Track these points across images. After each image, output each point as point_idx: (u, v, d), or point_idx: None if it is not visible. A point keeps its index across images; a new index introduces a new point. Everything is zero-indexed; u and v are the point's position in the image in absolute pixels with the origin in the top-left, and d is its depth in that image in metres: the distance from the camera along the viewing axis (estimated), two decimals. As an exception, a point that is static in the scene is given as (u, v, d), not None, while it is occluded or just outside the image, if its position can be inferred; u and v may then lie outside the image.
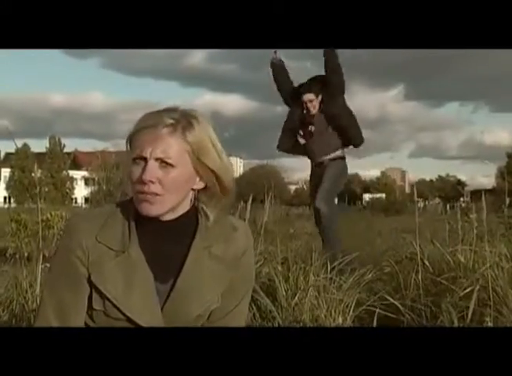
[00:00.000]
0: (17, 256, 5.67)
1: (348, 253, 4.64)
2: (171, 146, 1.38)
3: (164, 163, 1.38)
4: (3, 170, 62.18)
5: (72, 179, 61.86)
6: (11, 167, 59.52)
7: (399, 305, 3.68)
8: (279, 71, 5.99)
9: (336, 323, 3.45)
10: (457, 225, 5.13)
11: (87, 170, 60.07)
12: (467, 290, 3.60)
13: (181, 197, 1.44)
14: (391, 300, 3.70)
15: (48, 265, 2.43)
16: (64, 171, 60.68)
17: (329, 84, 5.61)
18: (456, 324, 3.24)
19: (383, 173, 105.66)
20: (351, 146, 5.95)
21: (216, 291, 1.50)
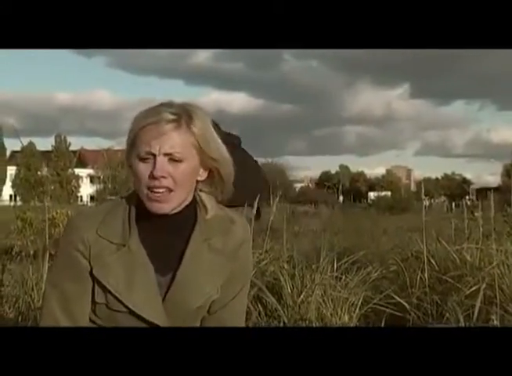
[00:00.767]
0: (23, 254, 5.69)
1: (354, 251, 4.64)
2: (178, 141, 1.40)
3: (172, 158, 1.40)
4: (9, 168, 62.37)
5: (78, 177, 61.99)
6: (17, 165, 59.70)
7: (405, 304, 3.68)
8: None
9: (342, 322, 3.45)
10: (463, 223, 5.12)
11: (92, 168, 60.26)
12: (473, 288, 3.59)
13: (189, 190, 1.46)
14: (397, 298, 3.70)
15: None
16: (70, 170, 60.79)
17: None
18: (462, 322, 3.23)
19: (388, 171, 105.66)
20: None
21: (215, 282, 1.51)
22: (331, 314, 3.51)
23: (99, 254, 1.43)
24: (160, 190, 1.39)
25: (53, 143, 62.51)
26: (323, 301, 3.58)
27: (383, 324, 3.36)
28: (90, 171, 62.35)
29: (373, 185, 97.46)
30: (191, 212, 1.50)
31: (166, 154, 1.39)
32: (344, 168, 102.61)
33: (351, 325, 3.49)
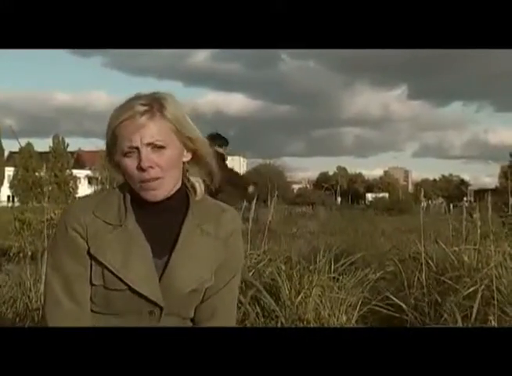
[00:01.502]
0: (21, 255, 5.68)
1: (352, 252, 4.64)
2: (156, 129, 1.44)
3: (155, 147, 1.44)
4: (7, 169, 62.26)
5: (75, 178, 61.92)
6: (15, 166, 59.60)
7: (403, 305, 3.68)
8: None
9: (339, 322, 3.45)
10: (461, 224, 5.13)
11: (90, 169, 60.19)
12: (471, 289, 3.60)
13: (178, 173, 1.51)
14: (395, 299, 3.71)
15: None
16: (68, 171, 60.70)
17: None
18: (459, 323, 3.24)
19: (386, 172, 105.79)
20: None
21: (208, 266, 1.54)
22: (329, 315, 3.51)
23: (96, 234, 1.47)
24: (150, 183, 1.44)
25: (51, 144, 62.38)
26: (321, 302, 3.59)
27: (381, 325, 3.36)
28: (88, 172, 62.28)
29: (370, 186, 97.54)
30: (183, 197, 1.54)
31: (148, 144, 1.43)
32: (341, 169, 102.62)
33: (349, 326, 3.49)
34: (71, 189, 59.16)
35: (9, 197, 55.46)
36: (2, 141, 62.63)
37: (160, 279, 1.49)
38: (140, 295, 1.46)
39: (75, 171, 62.36)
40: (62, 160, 60.21)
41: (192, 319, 1.59)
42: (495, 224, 6.14)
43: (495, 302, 3.39)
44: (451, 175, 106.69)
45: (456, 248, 4.52)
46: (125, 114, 1.43)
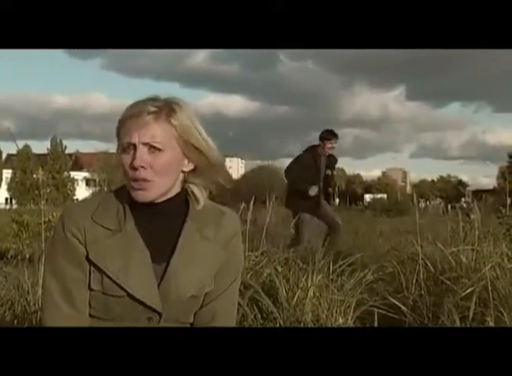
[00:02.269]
0: (19, 258, 5.67)
1: (350, 253, 4.64)
2: (157, 131, 1.44)
3: (152, 148, 1.43)
4: (5, 171, 62.19)
5: (73, 180, 61.87)
6: (12, 168, 59.54)
7: (401, 306, 3.68)
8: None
9: (337, 324, 3.45)
10: (458, 225, 5.13)
11: (88, 171, 60.17)
12: (469, 290, 3.60)
13: (172, 180, 1.49)
14: (393, 300, 3.71)
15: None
16: (65, 173, 60.63)
17: None
18: (457, 324, 3.24)
19: (384, 173, 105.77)
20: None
21: (208, 271, 1.54)
22: (326, 316, 3.51)
23: (94, 239, 1.46)
24: (140, 183, 1.43)
25: (49, 146, 62.29)
26: (319, 303, 3.58)
27: (379, 326, 3.35)
28: (86, 174, 62.25)
29: (368, 187, 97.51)
30: (182, 202, 1.54)
31: (145, 144, 1.43)
32: (339, 170, 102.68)
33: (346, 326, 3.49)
34: (69, 191, 59.08)
35: (6, 199, 55.38)
36: (0, 143, 62.49)
37: (159, 285, 1.48)
38: (139, 302, 1.45)
39: (73, 173, 62.28)
40: (60, 162, 60.11)
41: (191, 324, 1.59)
42: (493, 225, 6.14)
43: (493, 303, 3.39)
44: (449, 175, 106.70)
45: (454, 249, 4.52)
46: (135, 110, 1.44)
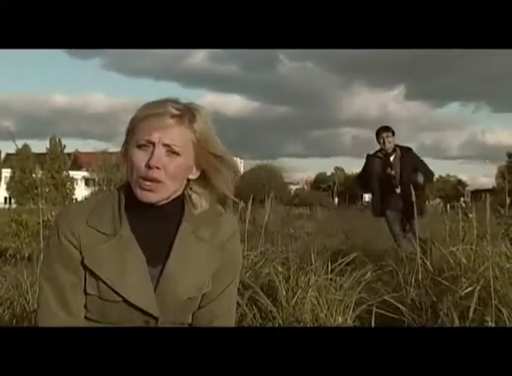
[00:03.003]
0: (18, 257, 5.67)
1: (349, 253, 4.64)
2: (179, 135, 1.43)
3: (170, 151, 1.43)
4: (4, 171, 62.12)
5: (72, 180, 61.79)
6: (11, 167, 59.49)
7: (400, 305, 3.68)
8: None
9: (336, 323, 3.45)
10: (458, 225, 5.13)
11: (87, 170, 60.11)
12: (468, 289, 3.60)
13: (180, 185, 1.49)
14: (391, 300, 3.71)
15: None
16: (64, 172, 60.55)
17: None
18: (456, 324, 3.24)
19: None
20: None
21: (205, 273, 1.53)
22: (325, 316, 3.51)
23: (89, 244, 1.45)
24: (149, 184, 1.42)
25: (48, 146, 62.23)
26: (318, 302, 3.58)
27: (377, 326, 3.36)
28: (85, 173, 62.19)
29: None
30: (179, 204, 1.53)
31: (165, 145, 1.42)
32: (339, 169, 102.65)
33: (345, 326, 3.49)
34: (68, 191, 59.04)
35: (5, 198, 55.34)
36: (-1, 142, 62.44)
37: (155, 288, 1.47)
38: (135, 307, 1.45)
39: (72, 173, 62.20)
40: (59, 161, 60.03)
41: (190, 325, 1.58)
42: (492, 224, 6.15)
43: (492, 303, 3.39)
44: (448, 175, 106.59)
45: (453, 248, 4.53)
46: (156, 110, 1.43)
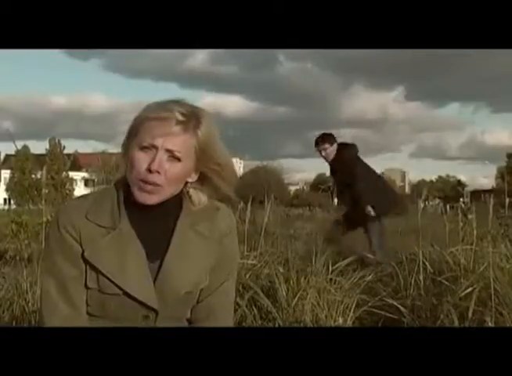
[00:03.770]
0: (18, 258, 5.66)
1: (349, 254, 4.64)
2: (182, 141, 1.44)
3: (172, 156, 1.43)
4: (3, 172, 62.06)
5: (72, 181, 61.71)
6: (11, 168, 59.42)
7: (400, 306, 3.68)
8: None
9: (336, 324, 3.45)
10: (457, 225, 5.13)
11: (87, 171, 60.03)
12: (468, 290, 3.60)
13: (178, 188, 1.50)
14: (392, 301, 3.71)
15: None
16: (64, 173, 60.48)
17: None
18: (456, 325, 3.24)
19: (383, 174, 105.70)
20: None
21: (203, 267, 1.55)
22: (326, 317, 3.51)
23: (89, 237, 1.46)
24: (148, 186, 1.43)
25: (47, 147, 62.18)
26: (318, 303, 3.58)
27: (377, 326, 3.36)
28: (84, 174, 62.09)
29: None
30: (177, 200, 1.54)
31: (167, 150, 1.42)
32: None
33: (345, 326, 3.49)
34: (68, 192, 58.93)
35: (5, 199, 55.25)
36: (-1, 143, 62.37)
37: (154, 282, 1.48)
38: (135, 300, 1.46)
39: (72, 174, 62.11)
40: (58, 162, 59.94)
41: (188, 320, 1.59)
42: (492, 225, 6.14)
43: (492, 303, 3.39)
44: (448, 175, 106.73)
45: (453, 249, 4.53)
46: (161, 113, 1.43)
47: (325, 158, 6.45)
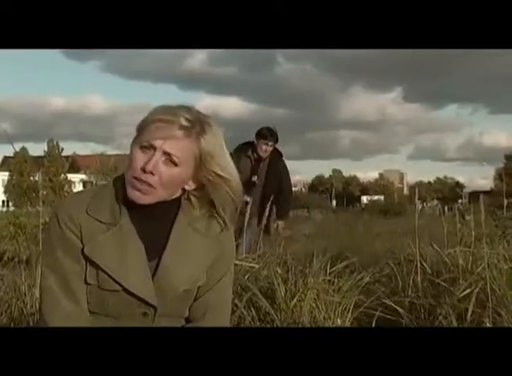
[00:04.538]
0: (16, 260, 5.66)
1: (347, 255, 4.64)
2: (182, 147, 1.43)
3: (169, 159, 1.43)
4: (1, 173, 62.03)
5: (70, 183, 61.65)
6: (9, 170, 59.37)
7: (398, 307, 3.69)
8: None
9: (335, 326, 3.45)
10: (455, 226, 5.13)
11: (85, 173, 60.04)
12: (466, 291, 3.60)
13: (172, 193, 1.50)
14: (389, 302, 3.71)
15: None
16: (62, 175, 60.43)
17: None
18: (454, 326, 3.24)
19: (381, 175, 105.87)
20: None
21: (201, 265, 1.55)
22: (324, 318, 3.51)
23: (89, 233, 1.46)
24: (142, 186, 1.43)
25: (46, 149, 62.15)
26: (316, 305, 3.58)
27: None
28: (83, 176, 62.08)
29: (366, 189, 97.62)
30: (176, 201, 1.54)
31: (165, 153, 1.42)
32: (337, 172, 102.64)
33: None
34: (66, 194, 58.82)
35: (3, 201, 55.19)
36: (-3, 145, 62.49)
37: (152, 280, 1.49)
38: (134, 296, 1.46)
39: (70, 176, 62.08)
40: (57, 164, 59.91)
41: (186, 318, 1.60)
42: (490, 226, 6.15)
43: (490, 305, 3.39)
44: (446, 177, 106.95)
45: (451, 250, 4.53)
46: (167, 116, 1.43)
47: (262, 152, 6.04)
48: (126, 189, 1.46)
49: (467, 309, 3.41)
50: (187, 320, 1.60)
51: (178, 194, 1.53)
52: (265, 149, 6.00)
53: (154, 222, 1.52)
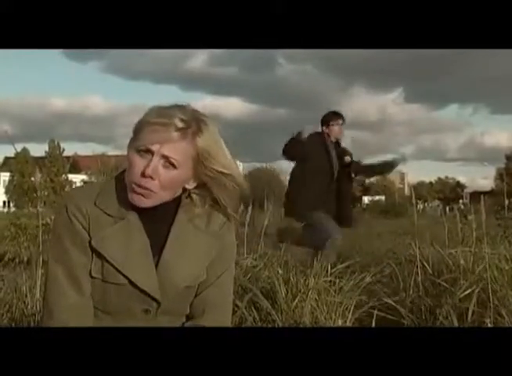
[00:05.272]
0: (17, 260, 5.66)
1: (349, 255, 4.64)
2: (179, 148, 1.43)
3: (167, 162, 1.43)
4: (2, 174, 62.11)
5: (71, 183, 61.67)
6: (10, 171, 59.45)
7: (399, 307, 3.68)
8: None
9: (336, 326, 3.44)
10: (456, 227, 5.13)
11: (86, 174, 60.03)
12: (467, 291, 3.60)
13: (173, 194, 1.51)
14: (391, 302, 3.71)
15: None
16: (63, 175, 60.49)
17: None
18: (455, 326, 3.24)
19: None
20: None
21: (201, 261, 1.56)
22: (325, 318, 3.51)
23: (97, 225, 1.47)
24: (142, 190, 1.44)
25: (47, 149, 62.22)
26: (317, 305, 3.58)
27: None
28: (84, 176, 62.07)
29: (367, 189, 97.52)
30: (177, 200, 1.55)
31: (163, 156, 1.42)
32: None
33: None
34: (67, 194, 58.76)
35: (4, 202, 55.23)
36: (-2, 146, 62.61)
37: None
38: (140, 290, 1.46)
39: (71, 176, 62.11)
40: (57, 165, 59.97)
41: (186, 315, 1.60)
42: (491, 226, 6.15)
43: (491, 305, 3.39)
44: (447, 177, 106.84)
45: (452, 250, 4.53)
46: (162, 119, 1.42)
47: (337, 134, 5.92)
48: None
49: (468, 309, 3.41)
50: (187, 317, 1.61)
51: (178, 193, 1.53)
52: (338, 130, 5.94)
53: (155, 221, 1.52)
